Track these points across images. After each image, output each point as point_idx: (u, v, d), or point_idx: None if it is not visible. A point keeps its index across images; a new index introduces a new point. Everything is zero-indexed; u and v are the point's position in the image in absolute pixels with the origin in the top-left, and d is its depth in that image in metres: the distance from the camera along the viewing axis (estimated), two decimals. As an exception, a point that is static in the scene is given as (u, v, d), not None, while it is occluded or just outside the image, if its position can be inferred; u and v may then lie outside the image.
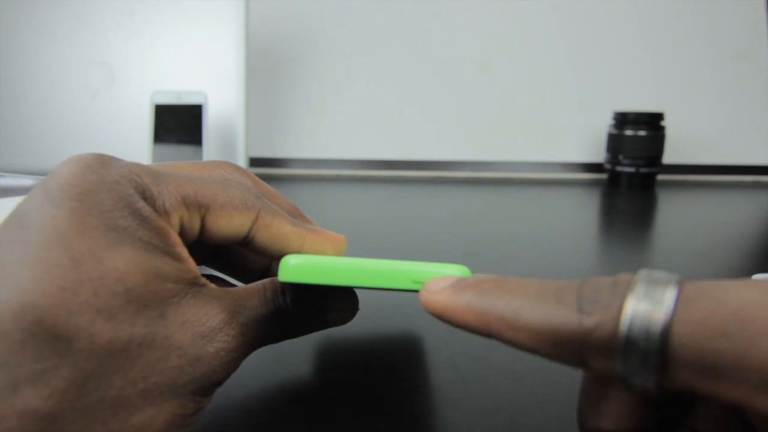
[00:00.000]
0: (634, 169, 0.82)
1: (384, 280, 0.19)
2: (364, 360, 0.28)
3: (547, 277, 0.42)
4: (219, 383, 0.18)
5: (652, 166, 0.82)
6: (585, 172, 0.94)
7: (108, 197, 0.17)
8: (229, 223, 0.20)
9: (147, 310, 0.16)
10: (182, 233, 0.19)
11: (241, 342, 0.19)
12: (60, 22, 0.76)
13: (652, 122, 0.81)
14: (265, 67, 0.91)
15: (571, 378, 0.26)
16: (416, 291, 0.18)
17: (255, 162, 0.92)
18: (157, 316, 0.17)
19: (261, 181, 0.24)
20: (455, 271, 0.18)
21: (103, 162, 0.18)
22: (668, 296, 0.12)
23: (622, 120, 0.82)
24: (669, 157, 0.91)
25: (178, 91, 0.70)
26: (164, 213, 0.18)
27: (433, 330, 0.31)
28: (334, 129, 0.94)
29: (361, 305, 0.23)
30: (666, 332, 0.12)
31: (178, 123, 0.69)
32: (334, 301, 0.22)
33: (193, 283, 0.18)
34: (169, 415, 0.17)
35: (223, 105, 0.75)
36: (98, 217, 0.16)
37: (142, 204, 0.17)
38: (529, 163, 0.94)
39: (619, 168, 0.83)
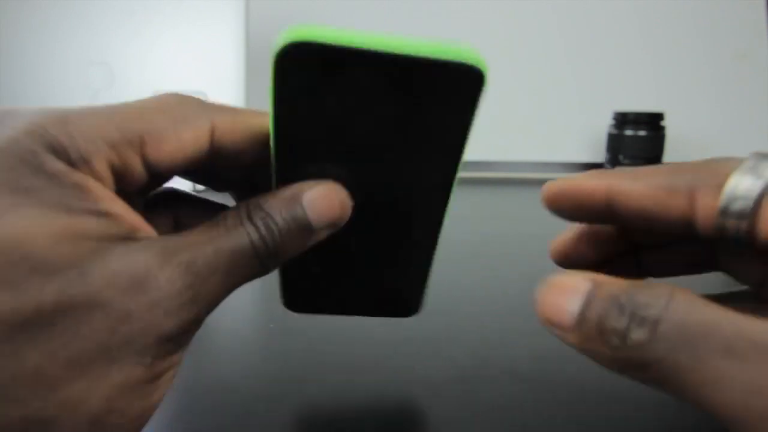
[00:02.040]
0: (634, 169, 0.82)
1: (414, 47, 0.15)
2: (363, 359, 0.28)
3: (547, 277, 0.42)
4: (171, 339, 0.15)
5: (652, 166, 0.82)
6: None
7: (4, 158, 0.15)
8: (178, 146, 0.17)
9: (59, 275, 0.14)
10: (122, 179, 0.16)
11: (188, 283, 0.15)
12: (60, 22, 0.76)
13: (652, 122, 0.81)
14: (265, 67, 0.91)
15: (572, 378, 0.26)
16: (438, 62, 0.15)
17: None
18: (76, 276, 0.14)
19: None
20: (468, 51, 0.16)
21: None
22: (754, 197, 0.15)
23: (622, 120, 0.82)
24: (669, 157, 0.91)
25: (178, 91, 0.70)
26: (83, 163, 0.15)
27: (435, 331, 0.31)
28: (334, 129, 0.94)
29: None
30: (763, 191, 0.15)
31: (178, 123, 0.68)
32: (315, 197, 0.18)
33: (125, 238, 0.15)
34: (108, 386, 0.14)
35: (223, 105, 0.75)
36: None
37: (48, 159, 0.15)
38: (529, 163, 0.94)
39: (619, 168, 0.83)
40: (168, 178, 0.19)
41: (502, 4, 0.92)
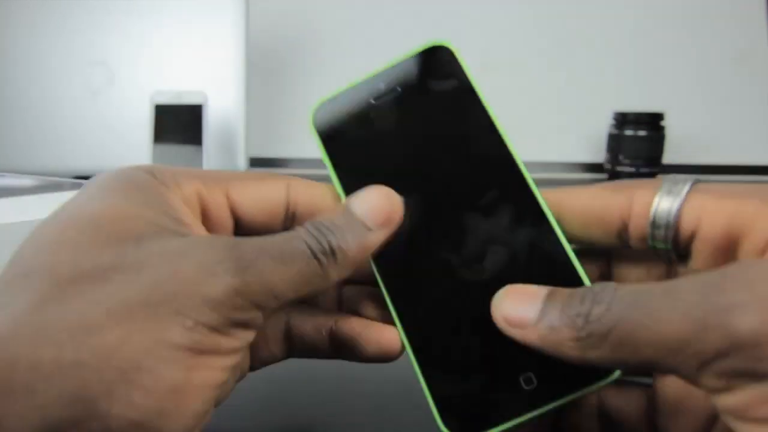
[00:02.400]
0: (634, 169, 0.82)
1: None
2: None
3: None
4: (214, 307, 0.15)
5: (652, 166, 0.82)
6: (585, 172, 0.93)
7: (109, 176, 0.18)
8: (257, 192, 0.20)
9: (120, 244, 0.16)
10: (209, 214, 0.19)
11: (232, 256, 0.16)
12: (59, 22, 0.76)
13: (652, 122, 0.81)
14: (266, 66, 0.91)
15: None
16: None
17: (255, 162, 0.92)
18: (134, 246, 0.16)
19: None
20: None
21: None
22: (685, 188, 0.18)
23: (622, 120, 0.82)
24: (669, 157, 0.91)
25: (178, 91, 0.70)
26: (173, 184, 0.18)
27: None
28: (334, 129, 0.94)
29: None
30: (681, 205, 0.18)
31: (178, 123, 0.68)
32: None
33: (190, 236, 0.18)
34: (143, 338, 0.15)
35: (223, 105, 0.75)
36: (92, 187, 0.18)
37: (142, 175, 0.18)
38: (530, 163, 0.93)
39: (619, 168, 0.83)
40: (251, 230, 0.20)
41: (502, 4, 0.92)
